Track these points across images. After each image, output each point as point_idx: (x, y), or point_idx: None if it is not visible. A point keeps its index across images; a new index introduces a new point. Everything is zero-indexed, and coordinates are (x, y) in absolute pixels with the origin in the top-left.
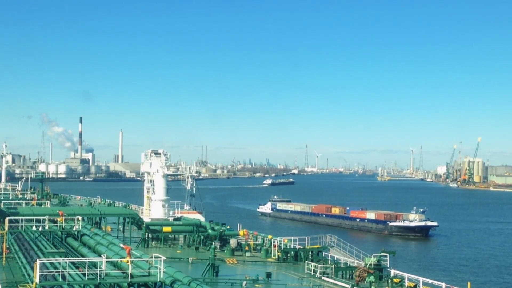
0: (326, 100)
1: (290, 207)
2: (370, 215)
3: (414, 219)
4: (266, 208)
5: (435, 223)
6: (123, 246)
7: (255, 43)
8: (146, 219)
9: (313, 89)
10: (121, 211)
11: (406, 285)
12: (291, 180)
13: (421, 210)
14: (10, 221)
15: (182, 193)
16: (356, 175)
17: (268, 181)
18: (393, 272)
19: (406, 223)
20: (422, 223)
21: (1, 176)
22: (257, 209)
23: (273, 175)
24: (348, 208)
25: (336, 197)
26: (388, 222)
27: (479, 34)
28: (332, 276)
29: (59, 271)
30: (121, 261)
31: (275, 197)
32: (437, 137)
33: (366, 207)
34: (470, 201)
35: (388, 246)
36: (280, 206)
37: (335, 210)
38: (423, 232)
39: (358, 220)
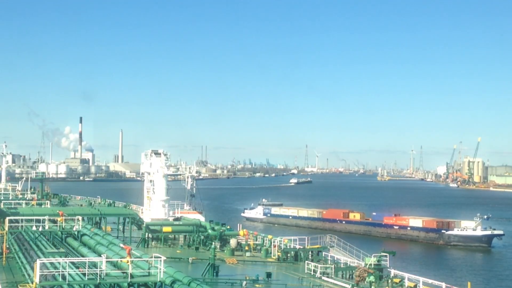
0: (326, 100)
1: (292, 212)
2: (415, 222)
3: (475, 227)
4: (256, 213)
5: (501, 232)
6: (123, 246)
7: (254, 43)
8: (146, 219)
9: (313, 89)
10: (121, 211)
11: (406, 285)
12: (309, 179)
13: (485, 216)
14: (10, 221)
15: (182, 193)
16: (356, 175)
17: (294, 180)
18: (393, 272)
19: (470, 232)
20: (488, 232)
21: (1, 176)
22: (242, 214)
23: (273, 175)
24: (374, 213)
25: (339, 198)
26: (443, 231)
27: (478, 34)
28: (332, 276)
29: (59, 271)
30: (121, 261)
31: (264, 200)
32: (437, 137)
33: (399, 213)
34: (489, 202)
35: (449, 260)
36: (276, 210)
37: (355, 216)
38: (488, 242)
39: (396, 227)
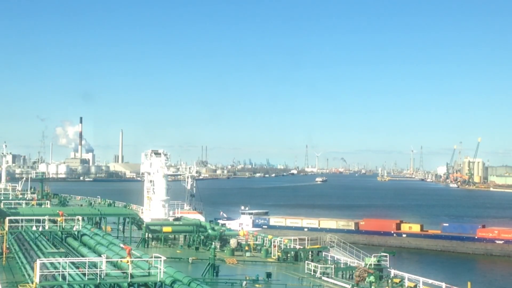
0: (326, 100)
1: (307, 223)
2: None
3: None
4: (241, 224)
5: None
6: (123, 246)
7: (254, 43)
8: (146, 219)
9: (313, 89)
10: (121, 211)
11: (406, 285)
12: (325, 178)
13: None
14: (10, 221)
15: (182, 193)
16: (357, 175)
17: (320, 179)
18: (393, 272)
19: None
20: None
21: (1, 176)
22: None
23: (273, 175)
24: (445, 224)
25: (342, 200)
26: None
27: (478, 34)
28: (332, 276)
29: (59, 271)
30: (121, 261)
31: (243, 207)
32: (437, 137)
33: (485, 224)
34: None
35: None
36: (279, 221)
37: (410, 227)
38: None
39: (501, 242)
